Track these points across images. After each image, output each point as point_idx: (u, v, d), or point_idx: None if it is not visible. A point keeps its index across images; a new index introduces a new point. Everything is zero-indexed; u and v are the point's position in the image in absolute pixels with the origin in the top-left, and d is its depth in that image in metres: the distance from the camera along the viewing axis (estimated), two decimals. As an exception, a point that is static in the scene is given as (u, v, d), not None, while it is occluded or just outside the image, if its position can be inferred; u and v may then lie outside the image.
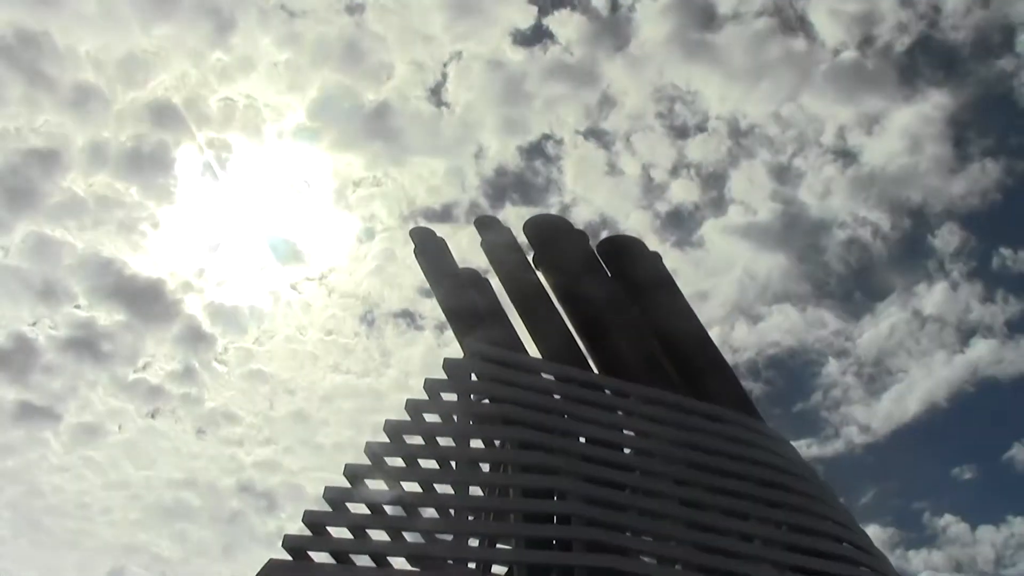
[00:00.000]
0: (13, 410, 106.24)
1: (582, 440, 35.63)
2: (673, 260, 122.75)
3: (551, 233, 43.72)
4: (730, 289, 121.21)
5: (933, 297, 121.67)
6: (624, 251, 44.24)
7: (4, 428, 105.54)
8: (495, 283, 43.43)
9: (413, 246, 43.73)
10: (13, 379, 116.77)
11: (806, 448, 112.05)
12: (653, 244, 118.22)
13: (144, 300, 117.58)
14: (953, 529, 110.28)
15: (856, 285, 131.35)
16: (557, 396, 36.84)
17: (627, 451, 36.02)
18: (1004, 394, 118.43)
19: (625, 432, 36.49)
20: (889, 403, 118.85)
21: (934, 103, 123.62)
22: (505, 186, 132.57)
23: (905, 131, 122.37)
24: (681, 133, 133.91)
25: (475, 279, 44.08)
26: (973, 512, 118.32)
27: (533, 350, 39.85)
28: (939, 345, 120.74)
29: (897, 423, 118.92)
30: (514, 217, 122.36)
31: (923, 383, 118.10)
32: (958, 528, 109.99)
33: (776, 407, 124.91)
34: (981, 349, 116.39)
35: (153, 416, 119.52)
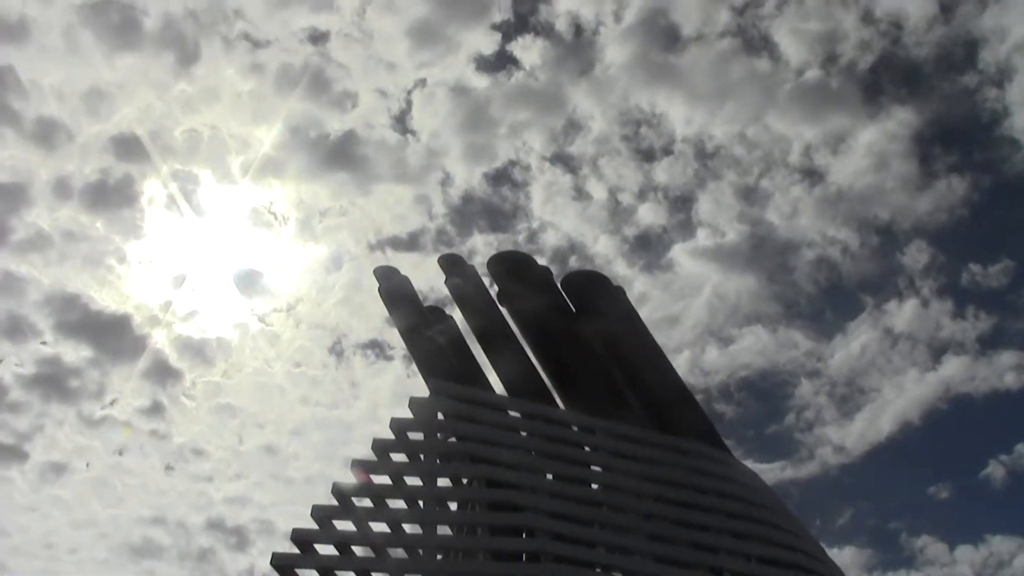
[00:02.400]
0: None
1: (549, 476, 35.63)
2: (642, 284, 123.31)
3: (515, 269, 43.87)
4: (700, 312, 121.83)
5: (904, 315, 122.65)
6: (588, 286, 44.42)
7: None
8: (459, 319, 43.62)
9: (377, 285, 43.81)
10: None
11: (780, 471, 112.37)
12: (622, 268, 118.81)
13: (111, 335, 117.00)
14: (931, 549, 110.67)
15: (826, 304, 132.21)
16: (523, 433, 36.85)
17: (594, 486, 36.00)
18: (978, 411, 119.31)
19: (592, 467, 36.42)
20: (863, 423, 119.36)
21: (899, 120, 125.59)
22: (472, 213, 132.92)
23: (870, 149, 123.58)
24: (648, 156, 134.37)
25: (439, 316, 44.25)
26: (951, 532, 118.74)
27: (498, 386, 39.93)
28: (911, 363, 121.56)
29: (871, 443, 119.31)
30: (482, 244, 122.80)
31: (896, 402, 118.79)
32: (936, 548, 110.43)
33: (749, 429, 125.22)
34: (953, 366, 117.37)
35: (121, 453, 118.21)
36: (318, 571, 32.15)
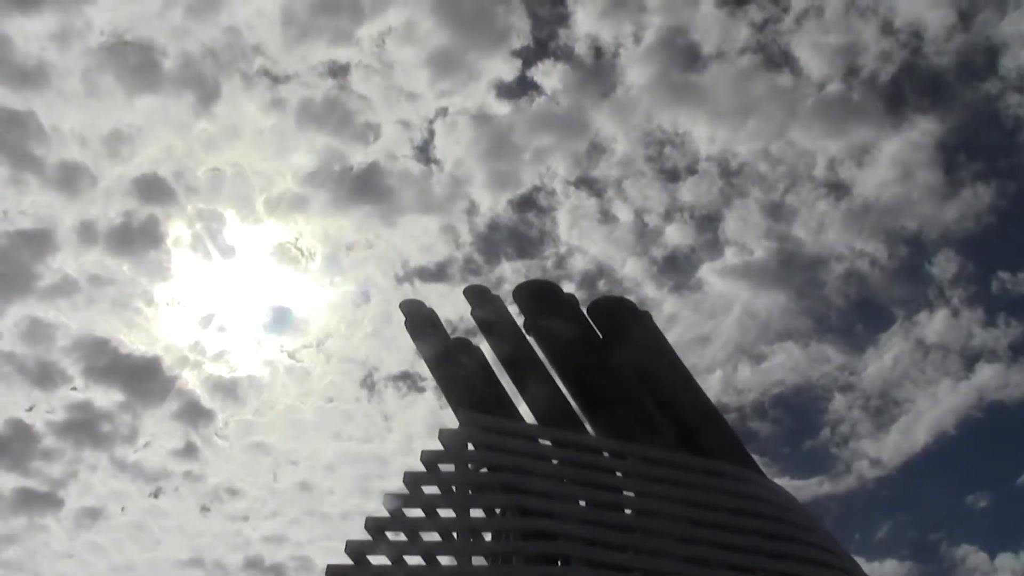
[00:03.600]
0: (13, 498, 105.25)
1: (582, 503, 35.65)
2: (672, 305, 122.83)
3: (541, 298, 44.05)
4: (731, 330, 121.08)
5: (935, 325, 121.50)
6: (614, 312, 44.57)
7: (5, 517, 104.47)
8: (487, 350, 43.74)
9: (404, 319, 44.07)
10: (12, 466, 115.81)
11: (817, 486, 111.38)
12: (650, 290, 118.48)
13: (141, 378, 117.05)
14: (972, 559, 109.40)
15: (857, 318, 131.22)
16: (555, 461, 36.92)
17: (628, 512, 35.98)
18: (1012, 418, 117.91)
19: (625, 493, 36.41)
20: (898, 435, 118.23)
21: (922, 130, 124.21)
22: (499, 240, 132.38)
23: (895, 160, 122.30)
24: (672, 176, 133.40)
25: (466, 348, 44.38)
26: (991, 540, 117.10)
27: (528, 415, 40.01)
28: (944, 373, 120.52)
29: (907, 454, 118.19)
30: (509, 271, 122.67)
31: (930, 412, 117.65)
32: (976, 558, 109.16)
33: (785, 446, 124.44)
34: (986, 374, 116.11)
35: (156, 496, 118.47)
36: (356, 606, 31.97)
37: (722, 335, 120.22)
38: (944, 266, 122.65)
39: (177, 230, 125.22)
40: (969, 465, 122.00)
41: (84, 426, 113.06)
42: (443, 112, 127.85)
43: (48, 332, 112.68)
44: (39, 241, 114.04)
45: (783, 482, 45.01)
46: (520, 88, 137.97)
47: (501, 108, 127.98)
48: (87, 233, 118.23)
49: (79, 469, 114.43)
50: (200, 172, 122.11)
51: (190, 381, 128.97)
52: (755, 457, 41.79)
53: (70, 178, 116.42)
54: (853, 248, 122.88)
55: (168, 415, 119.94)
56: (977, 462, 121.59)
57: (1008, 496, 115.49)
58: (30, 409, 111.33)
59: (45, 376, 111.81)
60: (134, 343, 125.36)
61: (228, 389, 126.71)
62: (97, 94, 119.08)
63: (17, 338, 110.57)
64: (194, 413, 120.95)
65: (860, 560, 38.80)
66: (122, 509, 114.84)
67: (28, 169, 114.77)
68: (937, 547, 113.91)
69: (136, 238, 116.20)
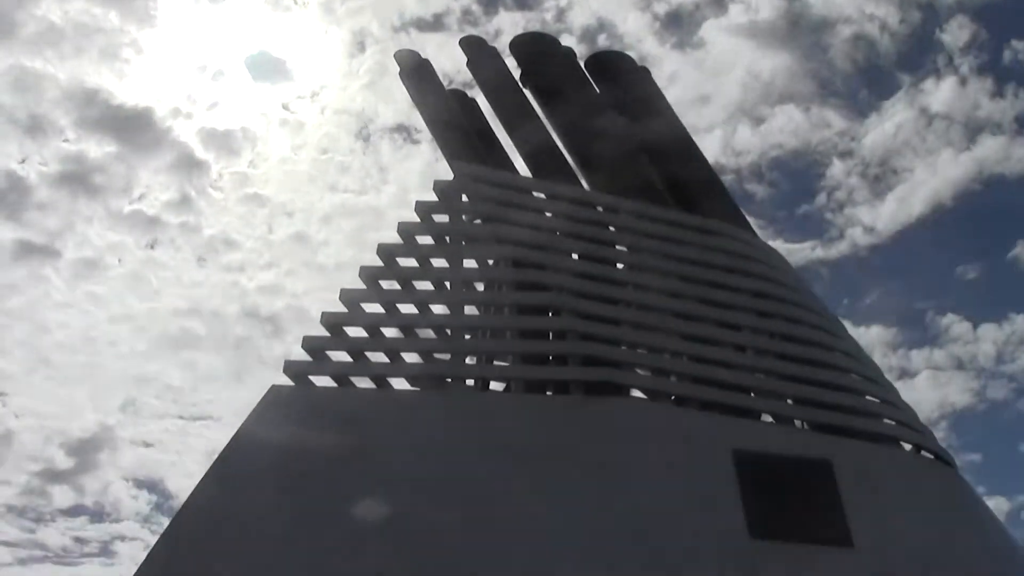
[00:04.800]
0: (12, 249, 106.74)
1: (574, 257, 35.79)
2: (673, 63, 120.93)
3: (538, 51, 42.96)
4: (732, 91, 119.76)
5: (941, 94, 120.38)
6: (611, 67, 43.61)
7: (5, 268, 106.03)
8: (483, 103, 43.05)
9: (398, 69, 43.09)
10: (8, 217, 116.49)
11: (810, 251, 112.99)
12: (652, 47, 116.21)
13: (133, 129, 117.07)
14: (955, 328, 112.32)
15: (862, 83, 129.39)
16: (548, 214, 36.83)
17: (619, 266, 36.16)
18: (1011, 191, 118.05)
19: (617, 247, 36.47)
20: (894, 203, 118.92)
21: None
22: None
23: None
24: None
25: (462, 100, 43.69)
26: (976, 311, 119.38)
27: (523, 169, 39.70)
28: (946, 143, 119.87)
29: (902, 223, 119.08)
30: (508, 23, 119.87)
31: (929, 182, 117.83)
32: (960, 327, 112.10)
33: (780, 210, 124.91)
34: (989, 146, 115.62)
35: (152, 247, 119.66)
36: (349, 353, 32.51)
37: (723, 95, 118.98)
38: (956, 33, 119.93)
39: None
40: (963, 237, 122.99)
41: (78, 178, 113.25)
42: None
43: (36, 82, 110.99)
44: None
45: (777, 245, 45.18)
46: None
47: None
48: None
49: (75, 221, 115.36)
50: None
51: (183, 132, 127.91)
52: (750, 219, 41.73)
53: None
54: (863, 11, 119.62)
55: (162, 167, 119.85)
56: (971, 234, 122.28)
57: (997, 269, 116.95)
58: (23, 161, 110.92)
59: (36, 128, 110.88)
60: (125, 94, 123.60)
61: (222, 140, 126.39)
62: None
63: (5, 88, 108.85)
64: (188, 164, 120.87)
65: (847, 324, 39.27)
66: (119, 260, 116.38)
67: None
68: (923, 316, 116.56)
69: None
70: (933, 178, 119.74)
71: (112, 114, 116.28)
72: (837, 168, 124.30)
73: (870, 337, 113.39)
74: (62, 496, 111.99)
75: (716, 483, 30.21)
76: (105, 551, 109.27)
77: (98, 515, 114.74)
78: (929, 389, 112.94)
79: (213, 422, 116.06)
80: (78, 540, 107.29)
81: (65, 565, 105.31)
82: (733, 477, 30.41)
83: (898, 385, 37.56)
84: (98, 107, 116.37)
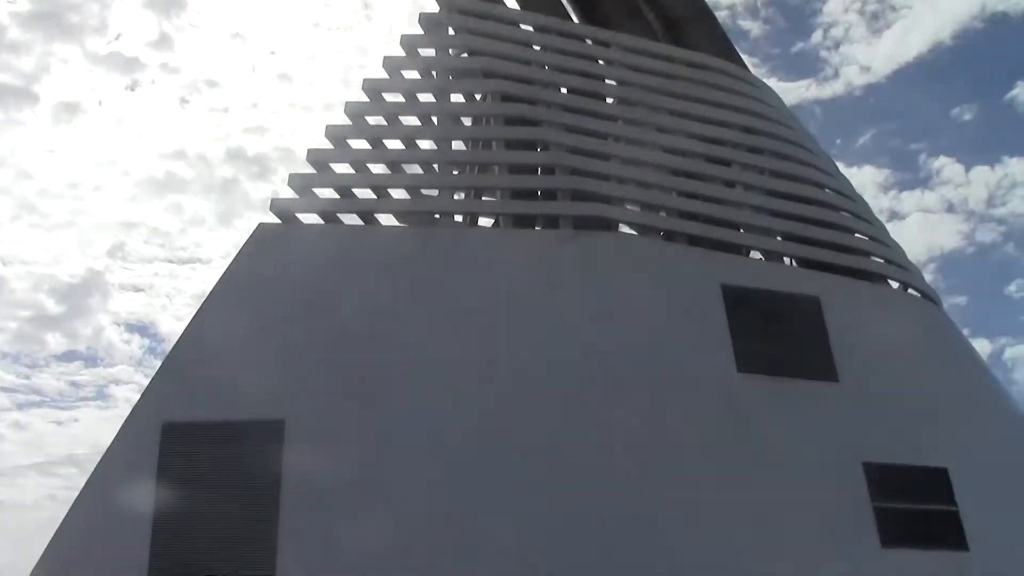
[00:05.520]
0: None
1: (563, 91, 35.15)
2: None
3: None
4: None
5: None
6: None
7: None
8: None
9: None
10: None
11: (804, 90, 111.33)
12: None
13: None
14: (948, 170, 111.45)
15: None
16: (537, 47, 36.04)
17: (609, 101, 35.59)
18: (1013, 31, 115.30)
19: (607, 81, 35.82)
20: (891, 41, 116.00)
21: None
22: None
23: None
24: None
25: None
26: (969, 153, 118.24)
27: (510, 1, 38.65)
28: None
29: (899, 63, 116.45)
30: None
31: (928, 19, 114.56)
32: (953, 169, 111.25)
33: (775, 47, 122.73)
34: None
35: (133, 89, 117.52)
36: (335, 189, 32.12)
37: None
38: None
39: None
40: (961, 78, 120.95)
41: (51, 16, 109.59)
42: None
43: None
44: None
45: (771, 83, 44.47)
46: None
47: None
48: None
49: (51, 63, 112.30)
50: None
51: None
52: (744, 57, 40.96)
53: None
54: None
55: (138, 3, 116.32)
56: (969, 75, 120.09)
57: (994, 110, 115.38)
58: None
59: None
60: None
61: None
62: None
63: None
64: (166, 2, 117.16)
65: (839, 164, 38.97)
66: (99, 103, 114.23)
67: None
68: (916, 157, 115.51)
69: None
70: (933, 15, 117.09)
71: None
72: (834, 4, 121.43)
73: (862, 178, 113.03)
74: (55, 342, 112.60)
75: (704, 318, 30.41)
76: (101, 395, 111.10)
77: (92, 360, 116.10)
78: (919, 232, 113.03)
79: (202, 265, 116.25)
80: (73, 384, 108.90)
81: (62, 409, 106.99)
82: (722, 312, 30.60)
83: (888, 227, 37.52)
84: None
